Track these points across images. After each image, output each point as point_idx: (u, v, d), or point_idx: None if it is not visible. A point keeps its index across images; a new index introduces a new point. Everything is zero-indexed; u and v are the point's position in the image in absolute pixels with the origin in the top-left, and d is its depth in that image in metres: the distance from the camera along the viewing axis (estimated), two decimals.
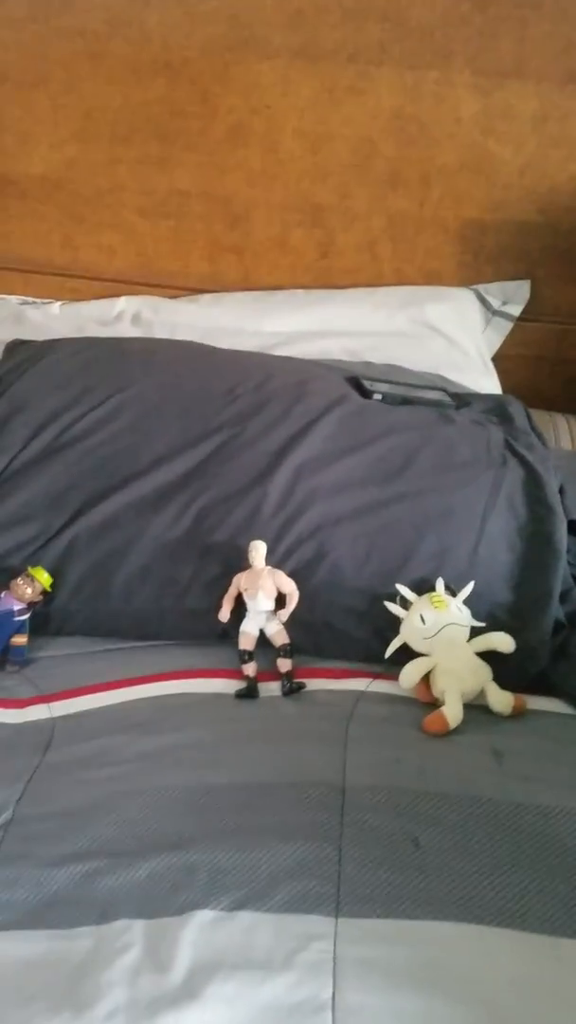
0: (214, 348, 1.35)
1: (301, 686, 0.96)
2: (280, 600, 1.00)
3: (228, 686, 0.96)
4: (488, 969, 0.66)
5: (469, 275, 1.62)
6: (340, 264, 1.62)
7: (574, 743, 0.89)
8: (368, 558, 1.03)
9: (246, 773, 0.83)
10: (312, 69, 1.46)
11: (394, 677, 0.95)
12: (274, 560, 1.02)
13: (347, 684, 0.97)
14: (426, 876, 0.72)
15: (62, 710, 0.95)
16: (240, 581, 1.00)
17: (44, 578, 1.02)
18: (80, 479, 1.10)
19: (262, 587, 0.98)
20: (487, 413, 1.29)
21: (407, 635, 0.97)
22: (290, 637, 0.99)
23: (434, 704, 0.93)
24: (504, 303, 1.63)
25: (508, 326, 1.63)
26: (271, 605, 1.00)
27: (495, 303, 1.62)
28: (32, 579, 1.02)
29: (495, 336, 1.63)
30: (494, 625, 0.98)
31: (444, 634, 0.95)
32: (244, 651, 0.99)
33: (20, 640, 1.02)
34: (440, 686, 0.93)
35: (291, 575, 1.00)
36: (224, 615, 1.00)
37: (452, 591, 0.99)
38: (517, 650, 0.96)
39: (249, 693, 0.96)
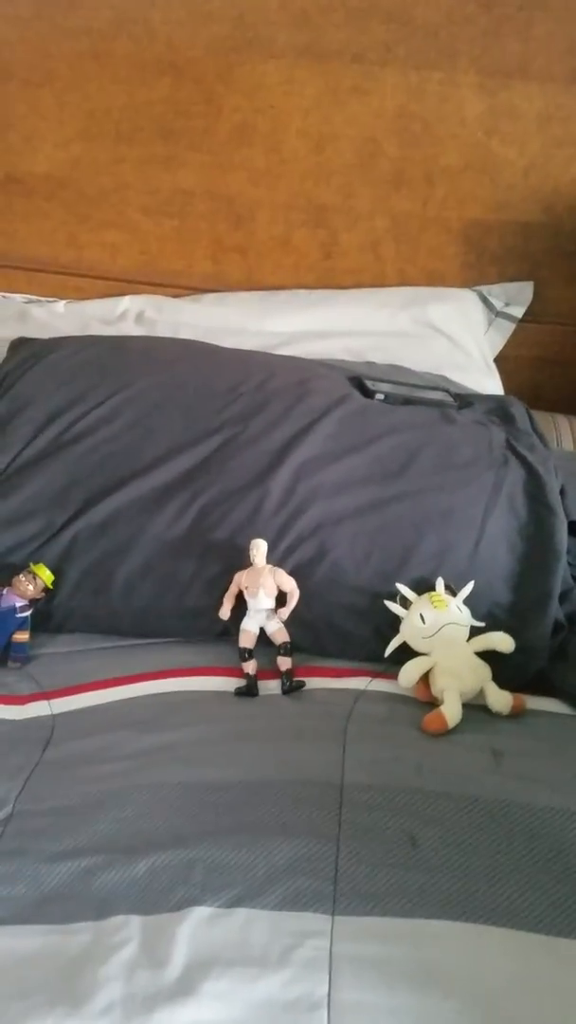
0: (217, 347, 1.35)
1: (301, 684, 0.97)
2: (280, 598, 1.00)
3: (228, 684, 0.97)
4: (484, 967, 0.66)
5: (472, 276, 1.62)
6: (343, 264, 1.62)
7: (572, 743, 0.89)
8: (368, 557, 1.03)
9: (245, 771, 0.84)
10: (316, 69, 1.46)
11: (393, 676, 0.96)
12: (275, 558, 1.02)
13: (347, 683, 0.97)
14: (423, 874, 0.72)
15: (63, 707, 0.95)
16: (241, 579, 1.00)
17: (46, 575, 1.03)
18: (82, 477, 1.10)
19: (263, 585, 0.99)
20: (489, 414, 1.29)
21: (407, 634, 0.97)
22: (290, 635, 1.00)
23: (433, 703, 0.93)
24: (507, 304, 1.63)
25: (511, 327, 1.63)
26: (271, 603, 1.00)
27: (498, 304, 1.62)
28: (34, 576, 1.02)
29: (498, 337, 1.63)
30: (494, 625, 0.98)
31: (444, 633, 0.95)
32: (244, 649, 0.99)
33: (22, 637, 1.02)
34: (439, 685, 0.93)
35: (292, 573, 1.01)
36: (225, 613, 1.01)
37: (452, 591, 0.99)
38: (516, 650, 0.96)
39: (249, 691, 0.96)
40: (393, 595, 1.00)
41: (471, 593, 0.99)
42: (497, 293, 1.62)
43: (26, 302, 1.65)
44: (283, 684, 0.97)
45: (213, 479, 1.09)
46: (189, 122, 1.52)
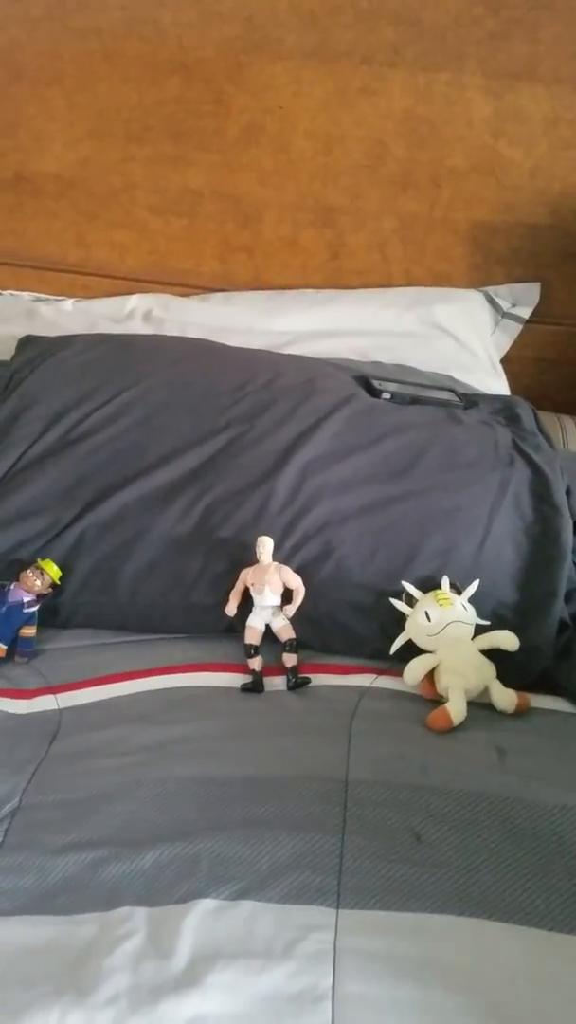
0: (224, 346, 1.35)
1: (306, 681, 0.97)
2: (286, 596, 1.01)
3: (234, 680, 0.97)
4: (487, 962, 0.67)
5: (479, 277, 1.62)
6: (350, 265, 1.62)
7: None
8: (374, 555, 1.03)
9: (250, 766, 0.84)
10: (325, 70, 1.47)
11: (398, 673, 0.96)
12: (281, 556, 1.02)
13: (352, 680, 0.97)
14: (427, 870, 0.73)
15: (69, 701, 0.96)
16: (247, 576, 1.01)
17: (53, 571, 1.03)
18: (90, 474, 1.11)
19: (269, 582, 0.99)
20: (495, 414, 1.29)
21: (412, 632, 0.97)
22: (296, 632, 1.00)
23: (438, 701, 0.93)
24: (513, 305, 1.63)
25: (517, 328, 1.63)
26: (277, 600, 1.00)
27: (504, 305, 1.63)
28: (41, 572, 1.03)
29: (504, 338, 1.63)
30: (499, 623, 0.99)
31: (449, 631, 0.96)
32: (250, 645, 0.99)
33: (29, 632, 1.03)
34: (444, 683, 0.93)
35: (297, 571, 1.01)
36: (231, 610, 1.01)
37: (457, 589, 1.00)
38: (521, 649, 0.96)
39: (254, 687, 0.96)
40: (398, 593, 1.00)
41: (476, 592, 0.99)
42: (504, 294, 1.62)
43: (34, 300, 1.66)
44: (288, 680, 0.97)
45: (220, 477, 1.09)
46: (198, 122, 1.53)
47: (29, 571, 1.03)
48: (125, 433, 1.15)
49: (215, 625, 1.04)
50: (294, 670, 0.98)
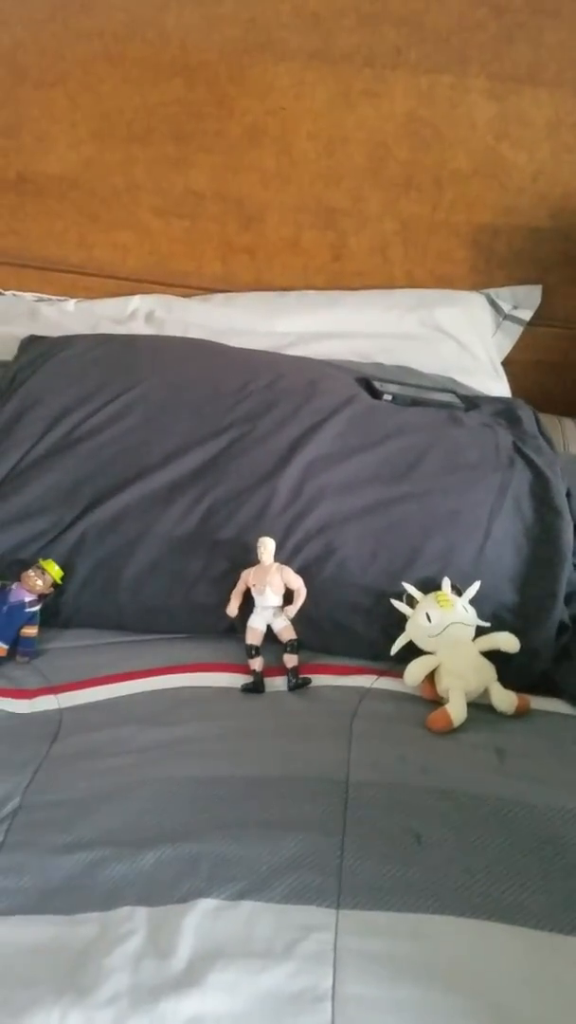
0: (226, 347, 1.36)
1: (307, 682, 0.97)
2: (287, 596, 1.01)
3: (234, 680, 0.97)
4: (488, 963, 0.67)
5: (480, 279, 1.63)
6: (352, 267, 1.63)
7: None
8: (375, 556, 1.03)
9: (251, 766, 0.84)
10: (328, 72, 1.47)
11: (399, 674, 0.96)
12: (282, 557, 1.02)
13: (352, 680, 0.98)
14: (427, 871, 0.73)
15: (70, 701, 0.96)
16: (248, 577, 1.01)
17: (55, 571, 1.03)
18: (91, 474, 1.11)
19: (270, 583, 0.99)
20: (496, 416, 1.29)
21: (413, 633, 0.97)
22: (297, 633, 1.00)
23: (438, 702, 0.93)
24: (515, 307, 1.63)
25: (518, 330, 1.63)
26: (279, 601, 1.00)
27: (506, 307, 1.63)
28: (43, 571, 1.03)
29: (505, 340, 1.64)
30: (499, 625, 0.99)
31: (449, 633, 0.96)
32: (251, 646, 0.99)
33: (30, 631, 1.03)
34: (444, 684, 0.93)
35: (299, 572, 1.01)
36: (232, 610, 1.01)
37: (458, 591, 1.00)
38: (521, 650, 0.96)
39: (255, 688, 0.96)
40: (399, 594, 1.00)
41: (477, 593, 0.99)
42: (505, 296, 1.63)
43: (37, 301, 1.66)
44: (289, 681, 0.97)
45: (221, 477, 1.09)
46: (200, 124, 1.53)
47: (31, 571, 1.03)
48: (127, 433, 1.15)
49: (216, 625, 1.04)
50: (295, 671, 0.98)
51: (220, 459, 1.11)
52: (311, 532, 1.05)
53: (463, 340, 1.55)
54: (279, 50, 1.46)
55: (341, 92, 1.49)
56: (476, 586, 0.99)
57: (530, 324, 1.63)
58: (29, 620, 1.03)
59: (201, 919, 0.69)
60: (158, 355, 1.29)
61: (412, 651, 0.97)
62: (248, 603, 1.02)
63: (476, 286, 1.63)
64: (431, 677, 0.95)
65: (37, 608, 1.03)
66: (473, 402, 1.33)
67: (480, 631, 0.98)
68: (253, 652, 0.99)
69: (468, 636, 0.97)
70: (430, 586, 1.01)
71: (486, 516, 1.08)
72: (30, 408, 1.19)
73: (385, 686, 0.97)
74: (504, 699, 0.93)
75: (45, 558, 1.05)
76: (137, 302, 1.62)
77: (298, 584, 1.00)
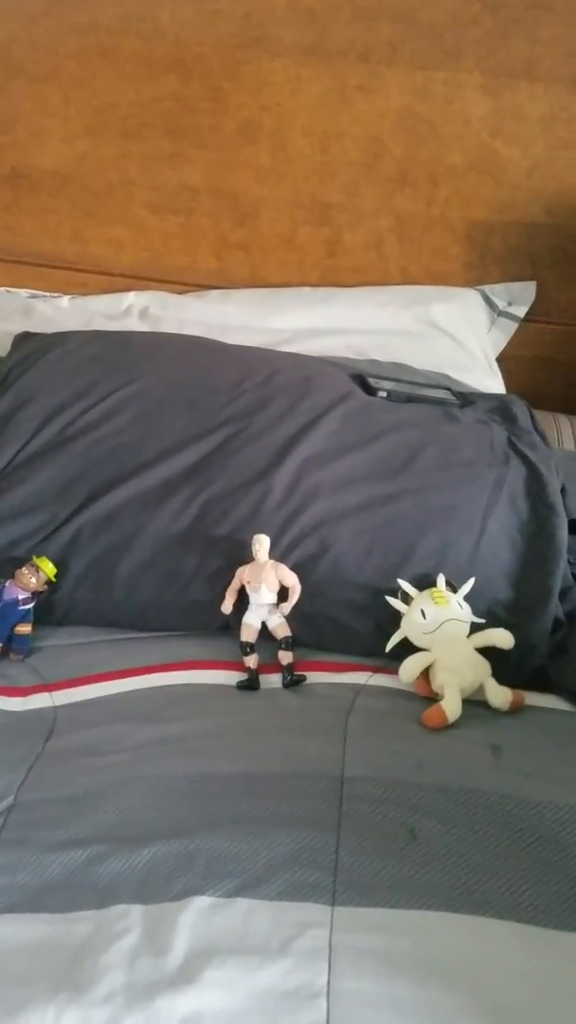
0: (220, 343, 1.35)
1: (302, 679, 0.97)
2: (282, 593, 1.01)
3: (230, 677, 0.97)
4: (483, 959, 0.67)
5: (475, 275, 1.63)
6: (347, 263, 1.62)
7: (571, 739, 0.90)
8: (370, 553, 1.03)
9: (246, 763, 0.84)
10: (322, 67, 1.47)
11: (394, 671, 0.96)
12: (277, 554, 1.02)
13: (347, 677, 0.98)
14: (422, 867, 0.73)
15: (65, 698, 0.96)
16: (243, 574, 1.01)
17: (49, 568, 1.03)
18: (86, 471, 1.11)
19: (265, 580, 0.99)
20: (491, 412, 1.29)
21: (408, 630, 0.98)
22: (292, 630, 1.00)
23: (433, 698, 0.93)
24: (510, 304, 1.63)
25: (513, 327, 1.63)
26: (273, 598, 1.00)
27: (501, 304, 1.63)
28: (37, 569, 1.02)
29: (500, 336, 1.64)
30: (494, 621, 0.99)
31: (444, 629, 0.96)
32: (246, 643, 0.99)
33: (24, 629, 1.03)
34: (439, 681, 0.93)
35: (294, 569, 1.01)
36: (227, 607, 1.01)
37: (453, 587, 1.00)
38: (516, 647, 0.97)
39: (250, 685, 0.96)
40: (394, 591, 1.00)
41: (472, 590, 0.99)
42: (500, 293, 1.63)
43: (31, 297, 1.66)
44: (284, 678, 0.97)
45: (216, 474, 1.09)
46: (195, 119, 1.53)
47: (25, 568, 1.03)
48: (122, 430, 1.14)
49: (211, 623, 1.04)
50: (290, 667, 0.98)
51: (215, 456, 1.11)
52: (306, 529, 1.04)
53: (458, 336, 1.55)
54: (274, 45, 1.46)
55: (336, 88, 1.48)
56: (471, 583, 0.99)
57: (525, 320, 1.63)
58: (23, 618, 1.03)
59: (197, 916, 0.69)
60: (152, 352, 1.29)
61: (407, 648, 0.97)
62: (243, 600, 1.01)
63: (471, 282, 1.63)
64: (426, 673, 0.95)
65: (31, 606, 1.03)
66: (468, 398, 1.33)
67: (475, 627, 0.98)
68: (248, 649, 0.99)
69: (463, 632, 0.97)
70: (425, 583, 1.01)
71: (481, 512, 1.08)
72: (24, 405, 1.18)
73: (380, 683, 0.97)
74: (499, 695, 0.93)
75: (39, 555, 1.04)
76: (132, 298, 1.62)
77: (293, 581, 1.00)
